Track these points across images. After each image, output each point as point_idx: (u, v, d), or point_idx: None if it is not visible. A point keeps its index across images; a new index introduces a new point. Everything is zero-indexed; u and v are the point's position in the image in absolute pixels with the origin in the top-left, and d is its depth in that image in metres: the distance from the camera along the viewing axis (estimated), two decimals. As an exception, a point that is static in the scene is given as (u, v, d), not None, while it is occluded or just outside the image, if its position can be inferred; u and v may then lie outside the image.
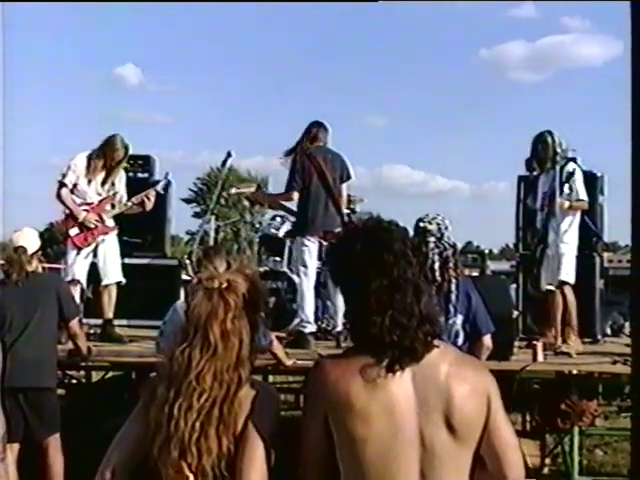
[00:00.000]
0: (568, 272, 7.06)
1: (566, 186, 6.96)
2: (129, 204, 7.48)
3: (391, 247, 2.30)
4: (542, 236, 7.13)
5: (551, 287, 7.17)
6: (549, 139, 7.10)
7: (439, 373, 2.25)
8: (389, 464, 2.20)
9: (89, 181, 7.31)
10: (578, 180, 7.06)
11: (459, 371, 2.28)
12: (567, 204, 6.98)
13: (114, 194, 7.44)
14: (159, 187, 7.82)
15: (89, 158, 7.32)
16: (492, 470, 2.32)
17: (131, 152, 8.02)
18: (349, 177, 7.53)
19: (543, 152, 7.13)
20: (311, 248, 7.06)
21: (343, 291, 2.42)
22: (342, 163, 7.46)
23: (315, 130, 7.40)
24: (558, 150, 7.08)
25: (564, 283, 7.07)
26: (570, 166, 7.03)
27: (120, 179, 7.53)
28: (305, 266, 7.04)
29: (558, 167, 7.04)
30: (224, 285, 2.42)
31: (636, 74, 2.25)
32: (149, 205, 7.57)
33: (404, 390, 2.22)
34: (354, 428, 2.20)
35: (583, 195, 7.08)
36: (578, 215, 7.18)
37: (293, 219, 8.40)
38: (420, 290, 2.31)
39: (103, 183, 7.38)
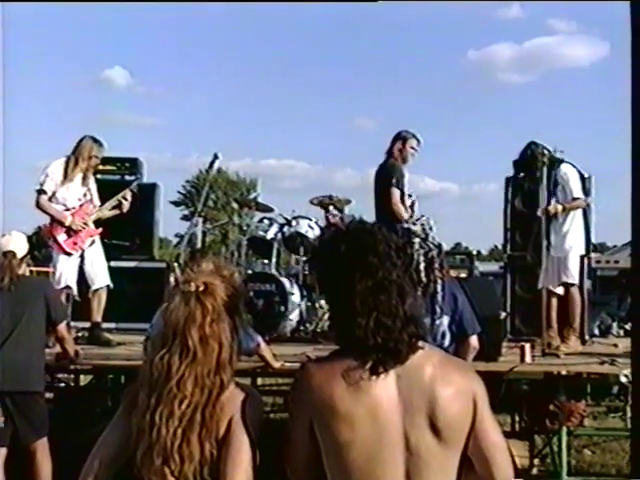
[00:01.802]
0: (573, 274, 7.10)
1: (559, 189, 7.03)
2: (107, 206, 7.46)
3: (375, 249, 2.30)
4: (544, 236, 7.15)
5: (552, 289, 7.21)
6: (528, 151, 7.19)
7: (423, 375, 2.24)
8: (374, 468, 2.20)
9: (67, 187, 7.25)
10: (572, 179, 7.09)
11: (444, 373, 2.28)
12: (560, 208, 7.02)
13: (91, 199, 7.42)
14: (133, 186, 7.81)
15: (65, 164, 7.27)
16: (480, 472, 2.32)
17: (119, 154, 8.01)
18: (390, 183, 7.57)
19: (533, 163, 7.18)
20: None
21: (327, 294, 2.42)
22: (380, 172, 7.58)
23: (391, 144, 7.57)
24: (545, 160, 7.13)
25: (570, 285, 7.10)
26: (562, 168, 7.08)
27: (92, 184, 7.50)
28: None
29: (551, 171, 7.10)
30: (201, 288, 2.39)
31: (636, 74, 2.26)
32: (126, 206, 7.53)
33: (388, 393, 2.21)
34: (339, 432, 2.19)
35: (578, 193, 7.10)
36: (578, 214, 7.20)
37: (282, 221, 8.44)
38: (404, 292, 2.30)
39: (81, 186, 7.33)
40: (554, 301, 7.23)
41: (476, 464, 2.31)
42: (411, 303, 2.31)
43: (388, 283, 2.28)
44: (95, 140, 7.38)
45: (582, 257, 7.25)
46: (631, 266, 2.41)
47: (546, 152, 7.18)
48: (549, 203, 7.09)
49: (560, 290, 7.19)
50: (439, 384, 2.24)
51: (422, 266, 4.61)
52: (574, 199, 7.10)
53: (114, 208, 7.50)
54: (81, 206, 7.32)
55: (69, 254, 7.21)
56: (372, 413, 2.19)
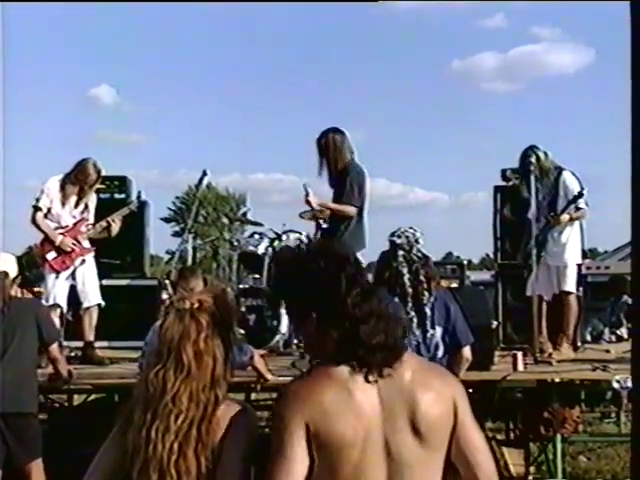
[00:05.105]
0: (571, 283, 7.10)
1: (560, 197, 7.02)
2: (98, 228, 7.46)
3: (349, 260, 2.39)
4: (540, 244, 7.14)
5: (547, 297, 7.23)
6: (533, 156, 7.14)
7: (403, 381, 2.29)
8: (358, 478, 2.22)
9: (63, 205, 7.29)
10: (576, 189, 7.06)
11: (423, 378, 2.33)
12: (567, 217, 7.00)
13: (87, 218, 7.42)
14: (132, 206, 7.82)
15: (62, 182, 7.30)
16: (464, 476, 2.37)
17: (107, 173, 7.99)
18: None
19: (531, 168, 7.14)
20: None
21: (302, 311, 2.40)
22: None
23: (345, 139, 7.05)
24: (548, 165, 7.14)
25: (568, 293, 7.11)
26: (565, 177, 7.07)
27: (92, 202, 7.52)
28: None
29: (552, 178, 7.10)
30: (195, 305, 2.43)
31: (636, 75, 2.28)
32: (115, 229, 7.51)
33: (371, 400, 2.25)
34: (331, 443, 2.20)
35: (582, 204, 7.06)
36: (576, 223, 7.18)
37: (272, 236, 8.39)
38: (382, 294, 2.44)
39: (76, 206, 7.36)
40: (545, 308, 7.24)
41: (460, 468, 2.36)
42: (390, 304, 2.39)
43: (371, 288, 2.38)
44: (95, 165, 7.37)
45: (579, 265, 7.27)
46: (631, 266, 2.42)
47: (542, 156, 7.15)
48: (551, 211, 7.06)
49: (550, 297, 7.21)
50: (419, 389, 2.29)
51: (406, 278, 4.63)
52: (578, 209, 7.09)
53: (103, 230, 7.50)
54: (75, 224, 7.34)
55: (58, 272, 7.22)
56: (358, 421, 2.22)
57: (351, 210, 6.77)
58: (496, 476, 2.43)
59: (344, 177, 6.79)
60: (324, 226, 7.70)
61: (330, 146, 6.88)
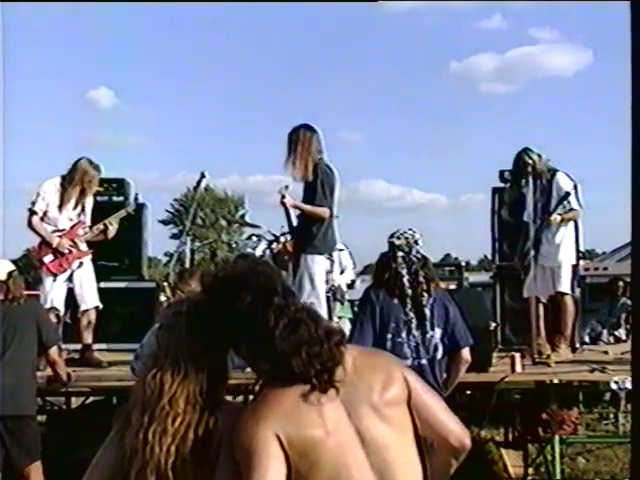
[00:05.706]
0: (566, 283, 7.08)
1: (553, 198, 7.02)
2: (95, 230, 7.45)
3: (276, 289, 2.33)
4: (534, 246, 7.13)
5: (543, 298, 7.23)
6: (527, 158, 7.15)
7: (351, 370, 2.30)
8: (340, 474, 2.22)
9: (59, 207, 7.25)
10: (569, 190, 7.05)
11: (368, 361, 2.38)
12: (559, 218, 7.00)
13: (83, 221, 7.41)
14: (129, 208, 7.81)
15: (59, 184, 7.27)
16: (437, 442, 2.40)
17: (105, 175, 7.99)
18: None
19: (525, 170, 7.16)
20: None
21: (243, 345, 2.36)
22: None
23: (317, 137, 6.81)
24: (542, 167, 7.14)
25: (563, 294, 7.10)
26: (558, 177, 7.07)
27: (89, 205, 7.51)
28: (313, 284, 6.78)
29: (545, 179, 7.11)
30: (192, 307, 2.43)
31: (636, 75, 2.27)
32: (112, 231, 7.50)
33: (328, 396, 2.25)
34: (304, 443, 2.20)
35: (575, 204, 7.06)
36: (570, 224, 7.18)
37: (270, 238, 8.37)
38: (313, 313, 2.37)
39: (73, 208, 7.34)
40: (542, 309, 7.24)
41: (431, 437, 2.40)
42: (322, 318, 2.39)
43: (300, 314, 2.32)
44: (91, 162, 7.35)
45: (574, 266, 7.26)
46: (631, 266, 2.43)
47: (536, 158, 7.16)
48: (546, 212, 7.06)
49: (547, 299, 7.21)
50: (368, 372, 2.33)
51: (405, 279, 4.64)
52: (571, 210, 7.07)
53: (100, 233, 7.48)
54: (72, 227, 7.32)
55: (55, 275, 7.21)
56: (323, 418, 2.22)
57: (325, 212, 6.73)
58: (466, 432, 2.45)
59: (314, 178, 6.71)
60: (295, 223, 7.60)
61: (299, 141, 6.81)
